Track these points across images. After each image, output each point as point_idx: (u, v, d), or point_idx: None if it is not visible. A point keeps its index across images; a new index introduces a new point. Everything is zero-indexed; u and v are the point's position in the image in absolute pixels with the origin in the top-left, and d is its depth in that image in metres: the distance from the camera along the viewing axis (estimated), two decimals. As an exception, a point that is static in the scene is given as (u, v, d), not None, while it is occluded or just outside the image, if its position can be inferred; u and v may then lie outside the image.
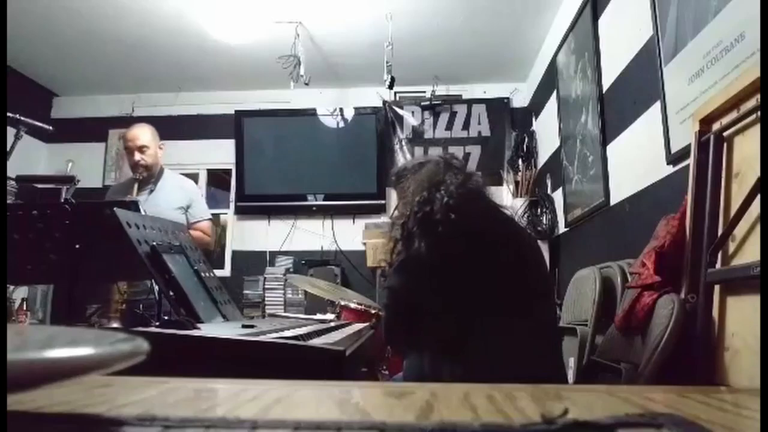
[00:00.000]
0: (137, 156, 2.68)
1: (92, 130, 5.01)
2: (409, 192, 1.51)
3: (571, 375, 2.12)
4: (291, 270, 4.54)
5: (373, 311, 2.52)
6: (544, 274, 1.88)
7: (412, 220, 1.40)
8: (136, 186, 2.64)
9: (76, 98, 5.15)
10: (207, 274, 1.36)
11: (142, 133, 2.73)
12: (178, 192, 2.78)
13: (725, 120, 1.38)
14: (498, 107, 4.84)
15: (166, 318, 1.02)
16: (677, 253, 1.45)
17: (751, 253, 1.22)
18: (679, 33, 2.01)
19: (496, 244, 1.39)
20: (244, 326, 1.08)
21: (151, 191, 2.71)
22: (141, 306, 2.27)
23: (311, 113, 4.87)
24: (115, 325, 2.15)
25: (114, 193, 2.88)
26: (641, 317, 1.45)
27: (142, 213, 1.99)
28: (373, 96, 4.86)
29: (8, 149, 2.15)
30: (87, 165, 4.84)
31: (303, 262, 4.55)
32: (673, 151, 2.05)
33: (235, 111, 4.91)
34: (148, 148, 2.70)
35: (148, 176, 2.71)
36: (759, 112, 1.23)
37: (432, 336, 1.38)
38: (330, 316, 2.66)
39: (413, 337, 1.43)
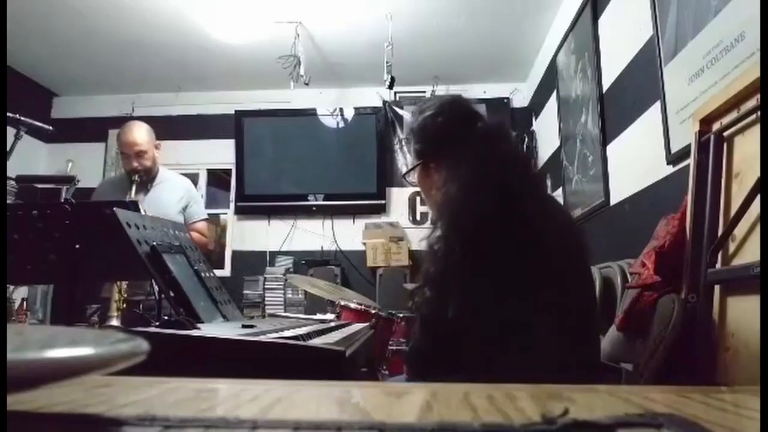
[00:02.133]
0: (135, 163, 2.59)
1: (92, 130, 5.01)
2: (461, 185, 1.16)
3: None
4: (291, 270, 4.54)
5: (372, 311, 2.52)
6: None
7: (470, 237, 1.09)
8: (134, 187, 2.56)
9: (76, 98, 5.15)
10: (207, 274, 1.36)
11: (139, 137, 2.61)
12: (176, 191, 2.74)
13: (725, 120, 1.38)
14: (498, 107, 4.83)
15: (166, 318, 1.02)
16: (677, 253, 1.45)
17: (751, 253, 1.21)
18: (679, 33, 2.01)
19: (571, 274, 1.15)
20: (244, 326, 1.08)
21: (148, 191, 2.66)
22: (141, 306, 2.27)
23: (311, 113, 4.87)
24: (114, 323, 2.15)
25: (104, 190, 2.79)
26: (641, 317, 1.45)
27: (142, 210, 1.99)
28: (373, 96, 4.87)
29: (8, 149, 2.15)
30: (87, 165, 4.84)
31: (303, 262, 4.56)
32: (673, 151, 2.05)
33: (235, 111, 4.91)
34: (146, 152, 2.61)
35: (147, 179, 2.66)
36: (759, 112, 1.23)
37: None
38: (330, 316, 2.65)
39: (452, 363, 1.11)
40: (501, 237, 1.08)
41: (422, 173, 1.38)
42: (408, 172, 1.45)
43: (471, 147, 1.21)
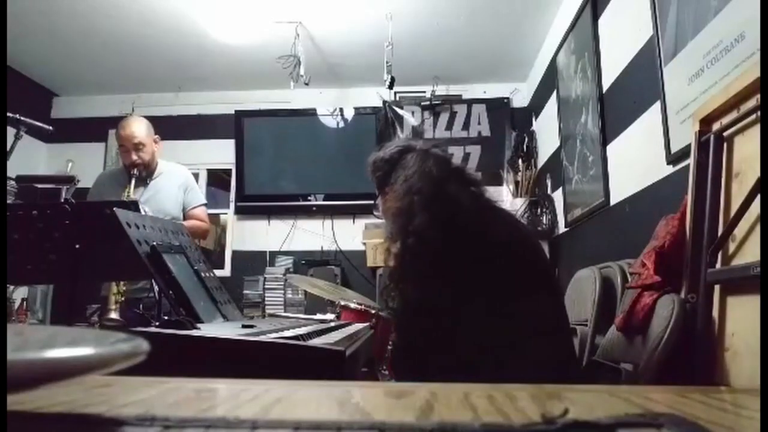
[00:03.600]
0: (134, 156, 2.60)
1: (92, 130, 5.01)
2: (400, 193, 1.44)
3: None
4: (291, 270, 4.54)
5: (373, 311, 2.52)
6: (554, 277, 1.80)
7: (425, 240, 1.29)
8: (133, 181, 2.56)
9: (76, 98, 5.15)
10: (207, 274, 1.36)
11: (137, 130, 2.63)
12: (175, 182, 2.75)
13: (725, 120, 1.38)
14: (498, 107, 4.83)
15: (166, 318, 1.02)
16: (677, 253, 1.45)
17: (751, 253, 1.21)
18: (679, 33, 2.01)
19: (517, 260, 1.33)
20: (244, 326, 1.08)
21: (147, 184, 2.67)
22: (141, 306, 2.27)
23: (311, 113, 4.87)
24: (113, 316, 2.15)
25: (102, 182, 2.80)
26: (641, 317, 1.45)
27: (142, 210, 1.99)
28: (373, 96, 4.86)
29: (8, 149, 2.15)
30: (87, 165, 4.82)
31: (303, 262, 4.55)
32: (673, 151, 2.05)
33: (235, 111, 4.91)
34: (144, 145, 2.62)
35: (146, 173, 2.67)
36: (759, 112, 1.23)
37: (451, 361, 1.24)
38: (330, 316, 2.66)
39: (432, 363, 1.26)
40: (436, 239, 1.28)
41: (383, 200, 1.65)
42: (375, 203, 1.72)
43: (410, 164, 1.50)
